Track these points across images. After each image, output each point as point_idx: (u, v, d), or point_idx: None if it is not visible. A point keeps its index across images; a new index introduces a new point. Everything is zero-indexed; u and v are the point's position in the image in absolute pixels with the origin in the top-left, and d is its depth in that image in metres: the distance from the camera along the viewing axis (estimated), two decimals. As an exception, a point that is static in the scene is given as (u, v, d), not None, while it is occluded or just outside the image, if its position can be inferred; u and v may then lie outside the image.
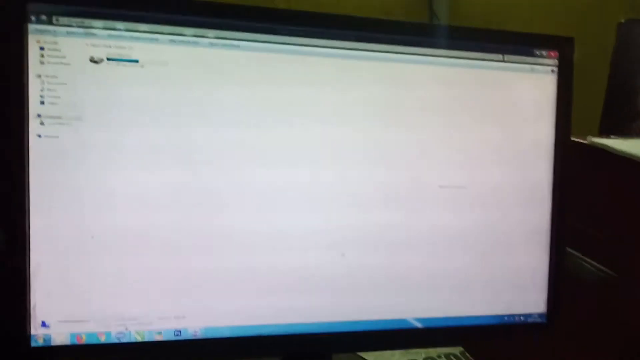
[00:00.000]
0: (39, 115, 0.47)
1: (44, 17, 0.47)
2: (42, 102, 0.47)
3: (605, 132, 0.92)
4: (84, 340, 0.50)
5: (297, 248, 0.53)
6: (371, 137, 0.55)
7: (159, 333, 0.51)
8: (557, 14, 0.73)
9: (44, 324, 0.49)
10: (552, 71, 0.60)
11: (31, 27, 0.47)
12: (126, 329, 0.50)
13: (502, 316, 0.60)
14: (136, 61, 0.49)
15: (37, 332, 0.49)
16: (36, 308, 0.49)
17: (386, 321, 0.57)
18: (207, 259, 0.51)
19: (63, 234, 0.49)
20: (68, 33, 0.48)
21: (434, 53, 0.56)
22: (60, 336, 0.49)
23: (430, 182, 0.57)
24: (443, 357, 0.73)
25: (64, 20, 0.48)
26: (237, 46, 0.51)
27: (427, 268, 0.57)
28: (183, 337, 0.52)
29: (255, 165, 0.52)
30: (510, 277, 0.60)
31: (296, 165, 0.53)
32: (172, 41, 0.50)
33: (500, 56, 0.58)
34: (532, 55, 0.59)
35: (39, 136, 0.47)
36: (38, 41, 0.47)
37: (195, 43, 0.50)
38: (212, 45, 0.50)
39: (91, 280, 0.49)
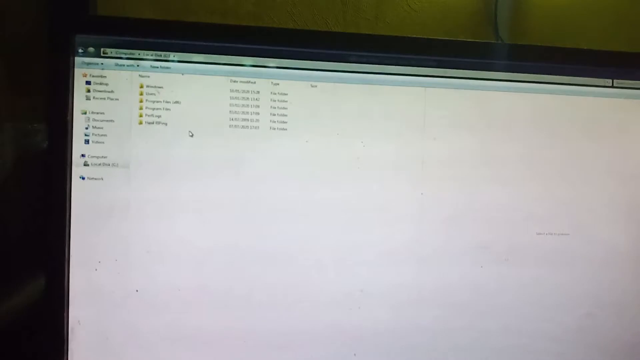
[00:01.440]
0: (82, 156, 0.43)
1: (92, 49, 0.43)
2: (87, 142, 0.43)
3: None
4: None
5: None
6: (458, 175, 0.47)
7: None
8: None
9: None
10: (672, 97, 0.50)
11: (78, 60, 0.43)
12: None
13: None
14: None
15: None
16: (74, 370, 0.43)
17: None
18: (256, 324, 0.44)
19: (105, 287, 0.43)
20: (117, 65, 0.43)
21: (527, 79, 0.48)
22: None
23: (527, 227, 0.48)
24: None
25: (112, 52, 0.43)
26: (305, 76, 0.45)
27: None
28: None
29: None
30: (623, 343, 0.50)
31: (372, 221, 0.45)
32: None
33: (608, 81, 0.49)
34: (648, 79, 0.49)
35: (82, 178, 0.43)
36: (84, 75, 0.43)
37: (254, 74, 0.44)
38: (274, 76, 0.45)
39: (133, 338, 0.43)
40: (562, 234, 0.49)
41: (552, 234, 0.48)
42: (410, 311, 0.47)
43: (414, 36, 0.47)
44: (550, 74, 0.48)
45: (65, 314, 0.43)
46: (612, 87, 0.49)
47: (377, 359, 0.46)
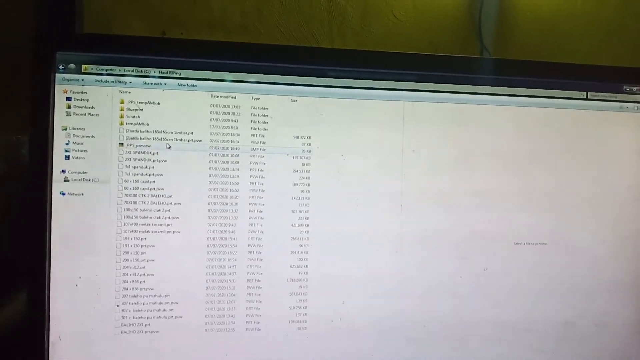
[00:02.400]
0: (63, 171, 0.43)
1: (72, 66, 0.43)
2: (67, 157, 0.43)
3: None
4: None
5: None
6: (437, 187, 0.47)
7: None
8: (634, 40, 0.64)
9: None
10: (645, 108, 0.51)
11: (59, 76, 0.43)
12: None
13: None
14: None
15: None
16: (55, 387, 0.43)
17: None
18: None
19: (86, 302, 0.43)
20: (97, 81, 0.44)
21: (505, 92, 0.49)
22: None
23: (504, 238, 0.48)
24: None
25: (93, 68, 0.44)
26: (286, 91, 0.45)
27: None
28: None
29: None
30: (602, 349, 0.50)
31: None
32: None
33: (583, 93, 0.50)
34: (620, 91, 0.51)
35: (63, 194, 0.43)
36: (65, 91, 0.43)
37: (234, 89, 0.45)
38: (255, 91, 0.45)
39: (114, 354, 0.43)
40: (539, 244, 0.49)
41: (530, 243, 0.49)
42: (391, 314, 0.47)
43: (392, 51, 0.48)
44: (528, 87, 0.49)
45: (45, 330, 0.43)
46: (587, 99, 0.50)
47: None
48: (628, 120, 0.51)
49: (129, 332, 0.44)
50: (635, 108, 0.51)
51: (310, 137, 0.46)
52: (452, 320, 0.48)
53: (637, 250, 0.51)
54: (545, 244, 0.50)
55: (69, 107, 0.43)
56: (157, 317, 0.44)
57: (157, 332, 0.44)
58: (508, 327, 0.49)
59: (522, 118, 0.49)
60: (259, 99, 0.45)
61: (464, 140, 0.48)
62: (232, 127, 0.45)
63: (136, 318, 0.44)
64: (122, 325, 0.44)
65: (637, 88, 0.51)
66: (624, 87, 0.51)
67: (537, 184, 0.49)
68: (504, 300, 0.49)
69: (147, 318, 0.44)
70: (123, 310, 0.44)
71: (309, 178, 0.46)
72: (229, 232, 0.45)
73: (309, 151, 0.46)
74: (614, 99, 0.50)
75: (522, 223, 0.49)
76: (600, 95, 0.50)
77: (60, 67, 0.43)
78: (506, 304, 0.49)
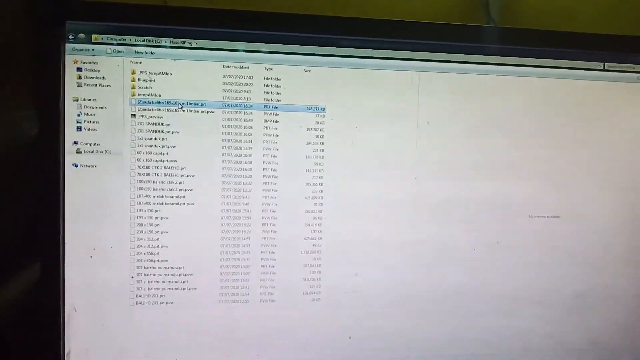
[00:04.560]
0: (75, 143, 0.43)
1: (82, 36, 0.43)
2: (79, 129, 0.43)
3: None
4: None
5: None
6: (451, 159, 0.47)
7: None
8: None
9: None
10: (663, 80, 0.50)
11: (68, 46, 0.42)
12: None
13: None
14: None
15: (71, 385, 0.43)
16: (70, 355, 0.43)
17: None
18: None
19: (100, 274, 0.43)
20: (108, 51, 0.43)
21: (521, 62, 0.48)
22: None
23: (520, 211, 0.48)
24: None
25: (103, 38, 0.43)
26: (299, 61, 0.45)
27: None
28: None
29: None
30: (615, 322, 0.50)
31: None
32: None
33: (600, 64, 0.49)
34: (638, 62, 0.50)
35: (75, 165, 0.43)
36: (75, 61, 0.42)
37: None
38: (268, 61, 0.44)
39: (129, 325, 0.44)
40: (553, 217, 0.49)
41: (544, 216, 0.49)
42: (402, 299, 0.47)
43: (406, 20, 0.47)
44: (542, 58, 0.48)
45: (61, 301, 0.43)
46: (604, 70, 0.49)
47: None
48: (645, 91, 0.50)
49: (144, 302, 0.44)
50: (653, 79, 0.50)
51: (324, 109, 0.45)
52: (464, 292, 0.48)
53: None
54: (559, 217, 0.49)
55: (80, 77, 0.43)
56: (172, 289, 0.44)
57: (172, 303, 0.44)
58: (520, 300, 0.49)
59: (538, 89, 0.48)
60: (272, 69, 0.44)
61: (479, 112, 0.47)
62: (245, 97, 0.44)
63: (151, 289, 0.44)
64: (136, 296, 0.44)
65: (656, 59, 0.50)
66: (642, 57, 0.50)
67: (551, 155, 0.49)
68: (516, 273, 0.49)
69: (162, 289, 0.44)
70: (138, 282, 0.44)
71: (323, 150, 0.45)
72: (243, 204, 0.44)
73: (323, 122, 0.45)
74: (631, 69, 0.49)
75: (537, 195, 0.48)
76: (617, 66, 0.49)
77: (70, 36, 0.43)
78: (518, 276, 0.49)
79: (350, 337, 0.47)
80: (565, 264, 0.49)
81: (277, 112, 0.45)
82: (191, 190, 0.44)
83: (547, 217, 0.49)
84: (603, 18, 0.61)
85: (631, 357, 0.52)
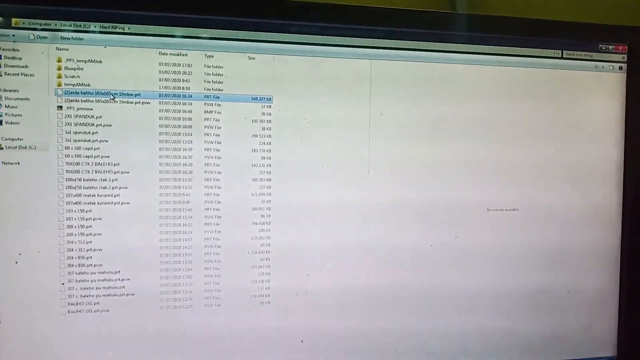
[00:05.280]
0: (-5, 138, 0.39)
1: (0, 20, 0.39)
2: (0, 122, 0.39)
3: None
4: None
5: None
6: (406, 153, 0.45)
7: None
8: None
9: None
10: (620, 68, 0.49)
11: (-15, 31, 0.38)
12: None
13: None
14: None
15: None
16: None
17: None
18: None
19: (27, 281, 0.39)
20: (31, 37, 0.39)
21: (478, 50, 0.46)
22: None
23: (476, 204, 0.46)
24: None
25: (25, 22, 0.39)
26: (242, 47, 0.42)
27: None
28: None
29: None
30: (574, 315, 0.50)
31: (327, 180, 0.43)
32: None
33: (558, 52, 0.48)
34: (596, 49, 0.49)
35: (-4, 163, 0.39)
36: (-7, 48, 0.38)
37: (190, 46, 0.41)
38: (208, 48, 0.41)
39: (58, 335, 0.40)
40: (511, 210, 0.48)
41: (502, 209, 0.47)
42: (361, 290, 0.45)
43: (359, 5, 0.44)
44: (500, 45, 0.46)
45: (-18, 313, 0.39)
46: (562, 57, 0.48)
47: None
48: (602, 80, 0.49)
49: (77, 311, 0.40)
50: (611, 68, 0.49)
51: (270, 99, 0.42)
52: (422, 290, 0.46)
53: (610, 216, 0.50)
54: (517, 209, 0.48)
55: (-1, 66, 0.39)
56: (107, 295, 0.41)
57: (108, 310, 0.41)
58: (480, 296, 0.48)
59: (496, 78, 0.46)
60: (212, 56, 0.41)
61: (434, 102, 0.45)
62: (183, 87, 0.41)
63: (84, 297, 0.40)
64: (68, 304, 0.40)
65: (613, 47, 0.49)
66: (600, 45, 0.49)
67: (509, 147, 0.47)
68: (475, 268, 0.47)
69: (96, 296, 0.41)
70: (69, 289, 0.40)
71: (270, 144, 0.43)
72: (184, 202, 0.41)
73: (270, 114, 0.42)
74: (589, 57, 0.48)
75: (495, 188, 0.47)
76: (575, 54, 0.48)
77: (-14, 21, 0.39)
78: (478, 271, 0.47)
79: (302, 341, 0.44)
80: (526, 258, 0.48)
81: (219, 103, 0.42)
82: (126, 188, 0.40)
83: (506, 210, 0.48)
84: (574, 8, 0.60)
85: (591, 350, 0.51)
